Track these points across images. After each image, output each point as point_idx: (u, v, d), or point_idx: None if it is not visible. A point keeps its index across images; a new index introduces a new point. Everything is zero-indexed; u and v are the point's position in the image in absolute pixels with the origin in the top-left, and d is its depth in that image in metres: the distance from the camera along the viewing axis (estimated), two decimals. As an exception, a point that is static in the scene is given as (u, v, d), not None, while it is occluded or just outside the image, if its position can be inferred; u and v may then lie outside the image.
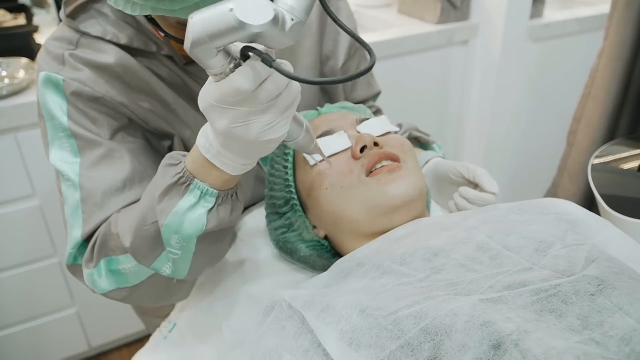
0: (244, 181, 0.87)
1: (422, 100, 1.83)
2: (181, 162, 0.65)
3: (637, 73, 1.66)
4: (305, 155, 0.73)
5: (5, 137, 1.30)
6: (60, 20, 0.80)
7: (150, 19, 0.70)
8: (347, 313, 0.55)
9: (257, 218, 0.91)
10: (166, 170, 0.66)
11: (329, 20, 0.94)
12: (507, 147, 1.96)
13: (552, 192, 1.86)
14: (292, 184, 0.79)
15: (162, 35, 0.70)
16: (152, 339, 0.88)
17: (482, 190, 0.79)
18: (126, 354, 1.78)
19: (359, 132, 0.77)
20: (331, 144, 0.75)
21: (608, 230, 0.67)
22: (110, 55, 0.75)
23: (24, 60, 1.40)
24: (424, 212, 0.76)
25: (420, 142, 0.99)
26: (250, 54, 0.51)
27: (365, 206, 0.70)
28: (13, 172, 1.35)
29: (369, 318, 0.53)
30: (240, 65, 0.51)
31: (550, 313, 0.50)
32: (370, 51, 0.52)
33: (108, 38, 0.75)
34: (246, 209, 0.94)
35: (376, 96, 1.08)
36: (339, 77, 0.51)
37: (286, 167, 0.80)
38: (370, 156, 0.72)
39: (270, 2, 0.47)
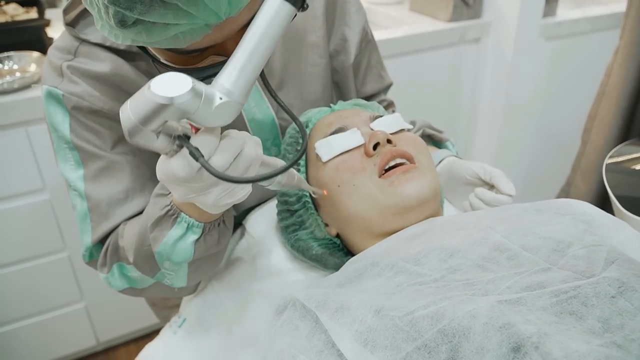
0: (252, 190, 0.87)
1: (433, 98, 1.82)
2: (170, 192, 0.67)
3: (652, 73, 1.64)
4: (306, 189, 0.72)
5: (16, 130, 1.30)
6: None
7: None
8: (361, 313, 0.54)
9: (267, 215, 0.91)
10: (156, 200, 0.69)
11: (336, 15, 0.93)
12: (518, 145, 1.94)
13: (566, 191, 1.85)
14: (305, 180, 0.78)
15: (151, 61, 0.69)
16: (161, 332, 0.88)
17: (499, 191, 0.78)
18: (134, 349, 1.79)
19: (372, 129, 0.76)
20: (344, 141, 0.74)
21: (626, 232, 0.66)
22: (107, 64, 0.75)
23: (35, 54, 1.40)
24: (438, 210, 0.75)
25: (433, 140, 0.98)
26: (185, 143, 0.51)
27: (379, 206, 0.69)
28: (23, 165, 1.35)
29: (384, 318, 0.52)
30: (182, 146, 0.52)
31: (570, 315, 0.49)
32: (302, 129, 0.55)
33: (107, 44, 0.75)
34: (256, 206, 0.94)
35: (387, 88, 1.06)
36: (269, 172, 0.52)
37: (298, 165, 0.79)
38: (383, 154, 0.71)
39: (189, 77, 0.48)
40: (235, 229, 0.93)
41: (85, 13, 0.77)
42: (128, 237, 0.75)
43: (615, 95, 1.64)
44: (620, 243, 0.62)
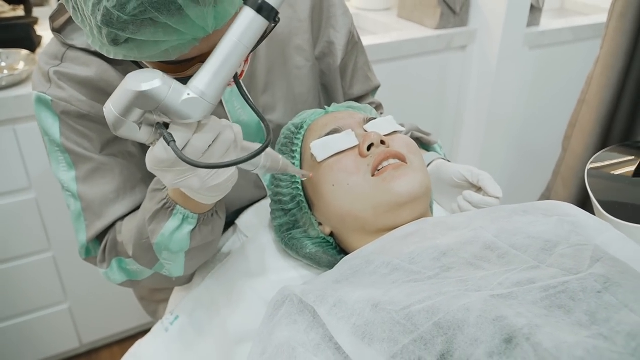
0: (244, 187, 0.91)
1: (419, 104, 1.85)
2: (165, 187, 0.72)
3: (631, 82, 1.69)
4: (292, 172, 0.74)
5: (3, 128, 1.29)
6: None
7: None
8: (359, 307, 0.55)
9: (260, 214, 0.92)
10: (152, 195, 0.74)
11: (323, 18, 0.96)
12: (502, 151, 1.98)
13: (546, 196, 1.89)
14: (299, 180, 0.80)
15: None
16: (153, 329, 0.89)
17: (486, 194, 0.81)
18: (117, 351, 1.77)
19: (365, 131, 0.78)
20: (338, 142, 0.76)
21: (609, 232, 0.69)
22: (92, 69, 0.77)
23: (24, 52, 1.40)
24: (428, 211, 0.78)
25: (421, 142, 1.01)
26: (160, 129, 0.56)
27: (372, 203, 0.71)
28: (10, 163, 1.34)
29: (381, 312, 0.54)
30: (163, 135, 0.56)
31: (559, 309, 0.51)
32: (267, 127, 0.59)
33: (93, 49, 0.77)
34: (249, 206, 0.95)
35: (375, 90, 1.09)
36: (234, 160, 0.57)
37: (293, 164, 0.80)
38: (377, 154, 0.73)
39: (160, 73, 0.54)
40: (227, 228, 0.94)
41: (72, 19, 0.79)
42: (126, 232, 0.78)
43: (595, 103, 1.69)
44: (604, 243, 0.65)
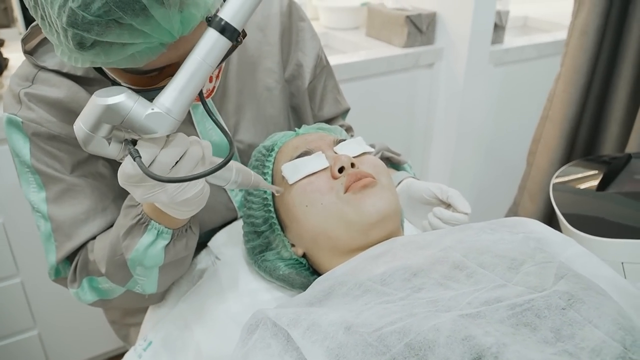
0: (215, 210, 0.93)
1: (389, 121, 1.88)
2: (140, 203, 0.73)
3: (592, 97, 1.75)
4: (264, 187, 0.75)
5: (-32, 152, 1.27)
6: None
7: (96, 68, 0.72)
8: (332, 330, 0.56)
9: (232, 235, 0.92)
10: (127, 211, 0.74)
11: (292, 42, 0.98)
12: (471, 165, 2.02)
13: (513, 211, 1.92)
14: (271, 202, 0.81)
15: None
16: (126, 356, 0.87)
17: (455, 210, 0.83)
18: (88, 376, 1.73)
19: (335, 153, 0.79)
20: (309, 164, 0.77)
21: (573, 248, 0.71)
22: (62, 90, 0.78)
23: (-11, 75, 1.37)
24: (398, 230, 0.79)
25: (391, 162, 1.02)
26: (127, 145, 0.58)
27: (344, 222, 0.73)
28: (-25, 189, 1.31)
29: (354, 335, 0.54)
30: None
31: (525, 326, 0.53)
32: (231, 144, 0.61)
33: (65, 70, 0.78)
34: (222, 227, 0.95)
35: (345, 113, 1.11)
36: (199, 173, 0.59)
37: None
38: (348, 176, 0.74)
39: (126, 89, 0.56)
40: (200, 249, 0.94)
41: (44, 41, 0.79)
42: (98, 250, 0.78)
43: (558, 119, 1.74)
44: (568, 259, 0.67)
